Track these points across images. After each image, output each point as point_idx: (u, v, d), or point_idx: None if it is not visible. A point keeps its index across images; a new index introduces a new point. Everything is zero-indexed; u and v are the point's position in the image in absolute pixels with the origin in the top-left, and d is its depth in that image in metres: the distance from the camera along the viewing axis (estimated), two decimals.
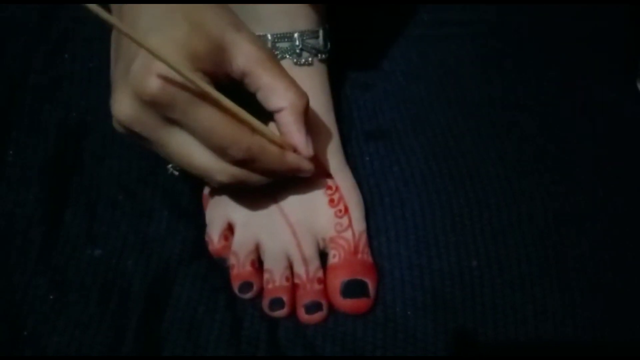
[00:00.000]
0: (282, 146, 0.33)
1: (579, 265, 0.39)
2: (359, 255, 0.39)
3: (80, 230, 0.41)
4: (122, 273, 0.40)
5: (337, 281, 0.38)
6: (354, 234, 0.39)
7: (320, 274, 0.38)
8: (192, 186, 0.42)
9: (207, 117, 0.30)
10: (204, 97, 0.30)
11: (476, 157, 0.44)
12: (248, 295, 0.38)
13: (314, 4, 0.39)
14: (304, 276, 0.38)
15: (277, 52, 0.39)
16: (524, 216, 0.41)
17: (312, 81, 0.40)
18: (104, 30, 0.34)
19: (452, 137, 0.45)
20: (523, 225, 0.41)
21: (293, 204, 0.39)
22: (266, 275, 0.38)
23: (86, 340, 0.37)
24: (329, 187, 0.39)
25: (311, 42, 0.40)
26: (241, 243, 0.39)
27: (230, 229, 0.40)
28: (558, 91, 0.48)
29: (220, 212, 0.40)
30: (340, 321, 0.38)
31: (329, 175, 0.40)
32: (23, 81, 0.48)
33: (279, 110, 0.33)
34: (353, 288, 0.38)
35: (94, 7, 0.26)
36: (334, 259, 0.39)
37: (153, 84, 0.29)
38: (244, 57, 0.32)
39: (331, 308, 0.38)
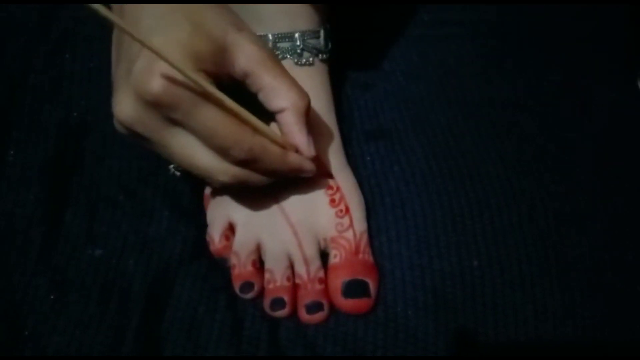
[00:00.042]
0: (283, 146, 0.33)
1: (579, 265, 0.39)
2: (360, 255, 0.39)
3: (80, 230, 0.41)
4: (123, 273, 0.40)
5: (338, 281, 0.38)
6: (355, 234, 0.39)
7: (321, 274, 0.38)
8: (193, 186, 0.42)
9: (210, 117, 0.30)
10: (206, 97, 0.30)
11: (476, 157, 0.44)
12: (249, 295, 0.38)
13: (315, 4, 0.39)
14: (305, 276, 0.38)
15: (278, 52, 0.39)
16: (524, 216, 0.41)
17: (313, 81, 0.40)
18: (105, 30, 0.34)
19: (452, 137, 0.45)
20: (523, 225, 0.41)
21: (294, 204, 0.39)
22: (267, 275, 0.38)
23: (86, 340, 0.37)
24: (330, 187, 0.39)
25: (312, 42, 0.40)
26: (242, 243, 0.39)
27: (231, 229, 0.40)
28: (558, 91, 0.48)
29: (222, 212, 0.40)
30: (341, 321, 0.38)
31: (330, 176, 0.40)
32: (23, 81, 0.48)
33: (280, 111, 0.33)
34: (354, 288, 0.38)
35: (99, 7, 0.26)
36: (335, 259, 0.39)
37: (156, 85, 0.28)
38: (246, 58, 0.32)
39: (332, 308, 0.38)
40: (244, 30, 0.32)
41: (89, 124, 0.46)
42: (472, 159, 0.44)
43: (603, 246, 0.40)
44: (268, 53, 0.33)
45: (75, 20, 0.51)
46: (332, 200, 0.39)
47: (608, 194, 0.42)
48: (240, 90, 0.33)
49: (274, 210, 0.39)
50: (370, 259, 0.39)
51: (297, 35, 0.39)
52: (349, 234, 0.39)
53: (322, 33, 0.40)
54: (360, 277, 0.38)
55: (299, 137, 0.33)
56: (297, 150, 0.34)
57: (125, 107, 0.30)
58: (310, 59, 0.40)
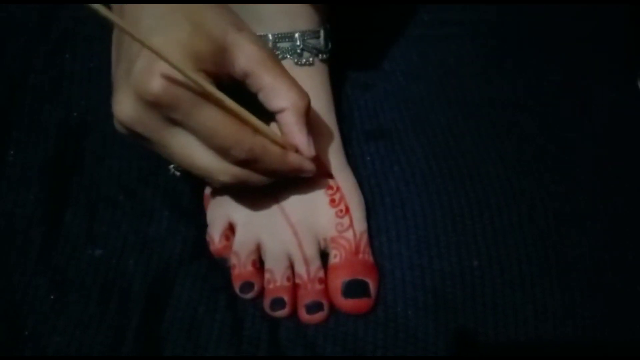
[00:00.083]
0: (283, 146, 0.33)
1: (579, 265, 0.39)
2: (360, 255, 0.39)
3: (80, 230, 0.41)
4: (123, 273, 0.40)
5: (338, 281, 0.38)
6: (355, 234, 0.39)
7: (321, 274, 0.38)
8: (193, 186, 0.42)
9: (210, 117, 0.30)
10: (206, 97, 0.30)
11: (476, 157, 0.44)
12: (249, 295, 0.38)
13: (314, 4, 0.39)
14: (305, 276, 0.38)
15: (278, 52, 0.39)
16: (524, 216, 0.41)
17: (313, 81, 0.40)
18: (105, 29, 0.34)
19: (452, 137, 0.45)
20: (523, 225, 0.41)
21: (294, 204, 0.39)
22: (267, 275, 0.38)
23: (86, 340, 0.37)
24: (330, 187, 0.39)
25: (312, 42, 0.40)
26: (242, 243, 0.39)
27: (231, 229, 0.40)
28: (558, 91, 0.48)
29: (222, 212, 0.40)
30: (341, 321, 0.38)
31: (330, 176, 0.40)
32: (23, 81, 0.48)
33: (280, 111, 0.33)
34: (354, 288, 0.38)
35: (99, 7, 0.26)
36: (335, 259, 0.39)
37: (156, 85, 0.28)
38: (246, 58, 0.32)
39: (332, 308, 0.38)
40: (244, 30, 0.32)
41: (89, 124, 0.46)
42: (472, 159, 0.44)
43: (603, 246, 0.40)
44: (268, 53, 0.33)
45: (75, 20, 0.51)
46: (332, 200, 0.39)
47: (608, 194, 0.42)
48: (240, 90, 0.33)
49: (274, 210, 0.39)
50: (370, 259, 0.39)
51: (297, 35, 0.39)
52: (349, 234, 0.39)
53: (322, 33, 0.40)
54: (360, 277, 0.38)
55: (299, 137, 0.33)
56: (297, 150, 0.34)
57: (125, 107, 0.30)
58: (310, 59, 0.40)
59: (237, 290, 0.39)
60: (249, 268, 0.39)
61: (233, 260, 0.39)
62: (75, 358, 0.37)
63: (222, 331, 0.38)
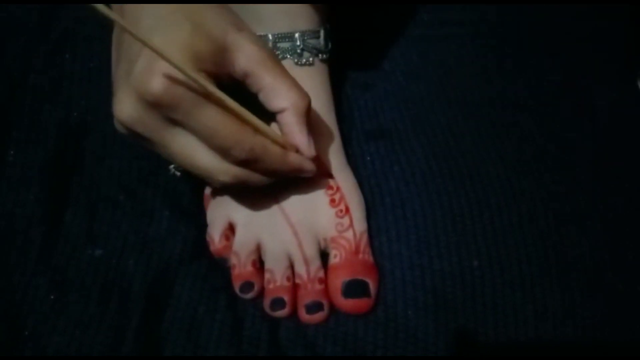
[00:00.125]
0: (284, 146, 0.33)
1: (579, 265, 0.39)
2: (360, 255, 0.39)
3: (80, 230, 0.41)
4: (123, 273, 0.40)
5: (338, 281, 0.38)
6: (355, 234, 0.39)
7: (321, 274, 0.38)
8: (193, 186, 0.42)
9: (210, 117, 0.30)
10: (207, 97, 0.30)
11: (476, 157, 0.44)
12: (249, 295, 0.38)
13: (315, 4, 0.39)
14: (305, 276, 0.38)
15: (278, 52, 0.39)
16: (524, 216, 0.41)
17: (313, 81, 0.40)
18: (105, 30, 0.34)
19: (452, 137, 0.45)
20: (523, 225, 0.41)
21: (294, 204, 0.39)
22: (267, 275, 0.38)
23: (86, 340, 0.37)
24: (330, 187, 0.39)
25: (312, 42, 0.40)
26: (242, 243, 0.39)
27: (231, 229, 0.40)
28: (558, 91, 0.48)
29: (222, 212, 0.40)
30: (341, 321, 0.38)
31: (330, 176, 0.40)
32: (23, 81, 0.48)
33: (281, 111, 0.33)
34: (354, 288, 0.38)
35: (101, 7, 0.26)
36: (335, 259, 0.39)
37: (156, 85, 0.28)
38: (246, 58, 0.32)
39: (332, 308, 0.38)
40: (244, 30, 0.32)
41: (89, 124, 0.46)
42: (472, 159, 0.44)
43: (603, 246, 0.40)
44: (268, 53, 0.33)
45: (75, 20, 0.51)
46: (332, 200, 0.39)
47: (608, 194, 0.42)
48: (241, 91, 0.33)
49: (274, 210, 0.39)
50: (370, 259, 0.39)
51: (297, 35, 0.39)
52: (349, 234, 0.39)
53: (322, 33, 0.40)
54: (360, 277, 0.38)
55: (299, 137, 0.33)
56: (297, 150, 0.34)
57: (125, 107, 0.30)
58: (310, 59, 0.40)
59: (237, 290, 0.39)
60: (249, 268, 0.39)
61: (233, 260, 0.39)
62: (75, 358, 0.37)
63: (222, 331, 0.38)
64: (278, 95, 0.32)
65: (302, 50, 0.40)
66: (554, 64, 0.49)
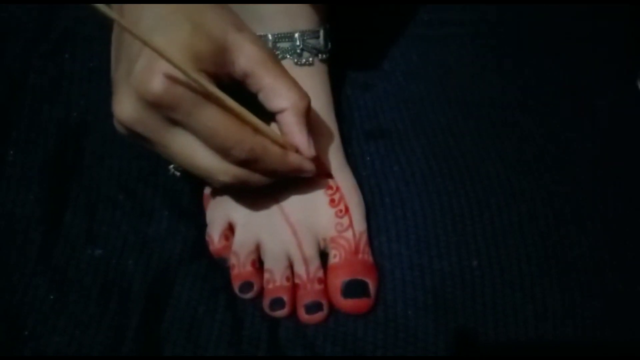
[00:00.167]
0: (284, 146, 0.33)
1: (579, 265, 0.39)
2: (360, 255, 0.39)
3: (80, 230, 0.41)
4: (122, 273, 0.40)
5: (337, 281, 0.38)
6: (354, 234, 0.39)
7: (320, 273, 0.38)
8: (193, 186, 0.42)
9: (211, 117, 0.30)
10: (207, 97, 0.30)
11: (476, 157, 0.44)
12: (249, 295, 0.38)
13: (314, 4, 0.39)
14: (304, 276, 0.38)
15: (277, 52, 0.39)
16: (524, 216, 0.41)
17: (313, 81, 0.40)
18: (105, 29, 0.35)
19: (452, 137, 0.45)
20: (523, 225, 0.41)
21: (294, 204, 0.39)
22: (267, 275, 0.38)
23: (86, 340, 0.37)
24: (330, 187, 0.39)
25: (312, 42, 0.40)
26: (242, 243, 0.39)
27: (230, 228, 0.40)
28: (558, 91, 0.48)
29: (221, 212, 0.40)
30: (340, 321, 0.38)
31: (330, 175, 0.40)
32: (23, 81, 0.48)
33: (280, 111, 0.33)
34: (354, 288, 0.38)
35: (102, 7, 0.26)
36: (334, 259, 0.39)
37: (157, 84, 0.28)
38: (246, 58, 0.32)
39: (332, 308, 0.38)
40: (244, 31, 0.32)
41: (89, 124, 0.46)
42: (472, 159, 0.44)
43: (603, 246, 0.40)
44: (268, 53, 0.33)
45: (75, 20, 0.51)
46: (332, 200, 0.39)
47: (608, 194, 0.42)
48: (240, 91, 0.33)
49: (273, 210, 0.39)
50: (370, 259, 0.39)
51: (297, 35, 0.39)
52: (349, 234, 0.39)
53: (322, 33, 0.40)
54: (359, 277, 0.38)
55: (299, 137, 0.33)
56: (297, 151, 0.34)
57: (125, 108, 0.30)
58: (310, 59, 0.40)
59: (236, 290, 0.39)
60: (249, 268, 0.39)
61: (232, 260, 0.39)
62: (75, 358, 0.37)
63: (222, 331, 0.38)
64: (278, 96, 0.32)
65: (302, 50, 0.40)
66: (554, 64, 0.49)
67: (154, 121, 0.30)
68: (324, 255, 0.39)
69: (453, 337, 0.37)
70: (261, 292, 0.39)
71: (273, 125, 0.34)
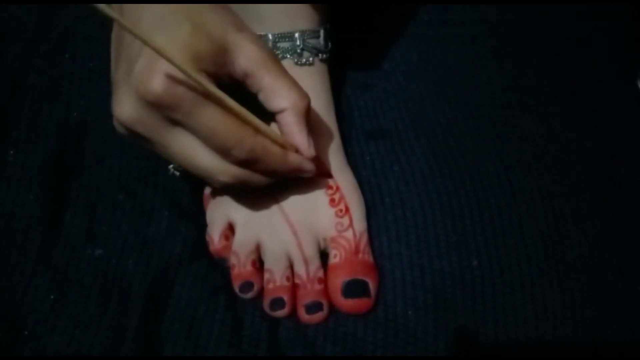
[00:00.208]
0: (284, 146, 0.33)
1: (579, 265, 0.39)
2: (360, 255, 0.39)
3: (80, 230, 0.41)
4: (122, 273, 0.40)
5: (338, 281, 0.38)
6: (354, 234, 0.39)
7: (320, 273, 0.38)
8: (193, 186, 0.42)
9: (211, 117, 0.30)
10: (207, 97, 0.30)
11: (476, 157, 0.44)
12: (249, 295, 0.38)
13: (314, 4, 0.39)
14: (304, 276, 0.38)
15: (278, 52, 0.39)
16: (524, 216, 0.41)
17: (313, 81, 0.40)
18: (105, 29, 0.34)
19: (452, 137, 0.45)
20: (523, 225, 0.41)
21: (294, 203, 0.39)
22: (267, 275, 0.38)
23: (86, 340, 0.37)
24: (330, 187, 0.39)
25: (312, 41, 0.40)
26: (242, 243, 0.39)
27: (231, 228, 0.40)
28: (558, 91, 0.48)
29: (221, 212, 0.40)
30: (340, 321, 0.38)
31: (330, 175, 0.40)
32: (23, 81, 0.48)
33: (281, 111, 0.33)
34: (354, 288, 0.38)
35: (103, 7, 0.26)
36: (334, 258, 0.39)
37: (157, 84, 0.28)
38: (246, 58, 0.31)
39: (332, 308, 0.38)
40: (244, 31, 0.32)
41: (89, 124, 0.46)
42: (472, 159, 0.44)
43: (603, 246, 0.40)
44: (268, 53, 0.33)
45: (75, 20, 0.51)
46: (332, 200, 0.39)
47: (608, 194, 0.42)
48: (240, 91, 0.33)
49: (273, 210, 0.39)
50: (370, 258, 0.39)
51: (297, 35, 0.39)
52: (349, 234, 0.39)
53: (322, 33, 0.40)
54: (360, 277, 0.38)
55: (299, 137, 0.33)
56: (297, 151, 0.34)
57: (125, 108, 0.30)
58: (310, 58, 0.40)
59: (236, 290, 0.39)
60: (249, 268, 0.39)
61: (232, 260, 0.39)
62: (75, 358, 0.37)
63: (222, 331, 0.38)
64: (278, 96, 0.32)
65: (302, 50, 0.40)
66: (554, 64, 0.49)
67: (154, 121, 0.30)
68: (324, 255, 0.39)
69: (453, 337, 0.37)
70: (261, 292, 0.39)
71: (273, 125, 0.34)
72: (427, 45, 0.50)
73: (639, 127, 0.46)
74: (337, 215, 0.39)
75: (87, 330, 0.38)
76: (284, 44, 0.39)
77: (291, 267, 0.39)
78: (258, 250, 0.39)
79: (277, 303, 0.38)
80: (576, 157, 0.44)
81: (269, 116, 0.34)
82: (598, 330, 0.37)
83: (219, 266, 0.40)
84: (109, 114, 0.31)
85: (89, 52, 0.49)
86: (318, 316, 0.38)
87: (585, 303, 0.38)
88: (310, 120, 0.34)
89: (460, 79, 0.48)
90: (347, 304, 0.38)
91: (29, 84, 0.47)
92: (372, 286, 0.38)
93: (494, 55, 0.50)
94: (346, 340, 0.37)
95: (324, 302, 0.38)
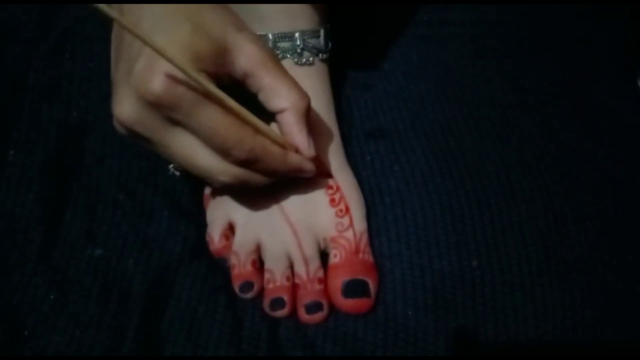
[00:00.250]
0: (284, 146, 0.33)
1: (579, 265, 0.39)
2: (360, 255, 0.39)
3: (80, 230, 0.41)
4: (122, 273, 0.40)
5: (338, 281, 0.38)
6: (355, 234, 0.39)
7: (320, 273, 0.38)
8: (193, 186, 0.42)
9: (211, 117, 0.30)
10: (207, 97, 0.30)
11: (476, 157, 0.44)
12: (249, 295, 0.38)
13: (314, 4, 0.39)
14: (304, 276, 0.38)
15: (278, 52, 0.39)
16: (524, 216, 0.41)
17: (313, 81, 0.40)
18: (105, 29, 0.34)
19: (452, 137, 0.45)
20: (523, 225, 0.41)
21: (294, 203, 0.39)
22: (267, 275, 0.38)
23: (86, 340, 0.37)
24: (330, 187, 0.39)
25: (312, 41, 0.40)
26: (242, 243, 0.39)
27: (231, 228, 0.40)
28: (558, 91, 0.48)
29: (221, 211, 0.40)
30: (340, 321, 0.38)
31: (330, 175, 0.40)
32: (23, 81, 0.48)
33: (281, 111, 0.33)
34: (354, 288, 0.38)
35: (102, 6, 0.26)
36: (335, 258, 0.39)
37: (157, 84, 0.28)
38: (246, 58, 0.31)
39: (332, 308, 0.38)
40: (244, 31, 0.32)
41: (89, 124, 0.46)
42: (472, 158, 0.44)
43: (603, 246, 0.40)
44: (268, 53, 0.33)
45: (75, 20, 0.51)
46: (332, 200, 0.39)
47: (608, 194, 0.42)
48: (240, 91, 0.33)
49: (273, 210, 0.39)
50: (370, 258, 0.39)
51: (297, 34, 0.39)
52: (349, 234, 0.39)
53: (322, 33, 0.40)
54: (360, 277, 0.38)
55: (299, 137, 0.33)
56: (297, 151, 0.34)
57: (125, 108, 0.30)
58: (310, 58, 0.40)
59: (236, 290, 0.39)
60: (249, 268, 0.39)
61: (233, 260, 0.39)
62: (75, 358, 0.37)
63: (222, 331, 0.38)
64: (278, 96, 0.32)
65: (302, 50, 0.40)
66: (554, 64, 0.49)
67: (154, 121, 0.30)
68: (324, 255, 0.39)
69: (453, 337, 0.37)
70: (261, 292, 0.39)
71: (273, 125, 0.34)
72: (427, 45, 0.50)
73: (639, 127, 0.46)
74: (337, 215, 0.39)
75: (87, 330, 0.38)
76: (284, 44, 0.39)
77: (291, 267, 0.39)
78: (258, 250, 0.39)
79: (277, 303, 0.38)
80: (576, 157, 0.44)
81: (269, 116, 0.34)
82: (598, 330, 0.37)
83: (219, 266, 0.40)
84: (109, 114, 0.31)
85: (89, 52, 0.49)
86: (318, 316, 0.38)
87: (585, 303, 0.38)
88: (310, 120, 0.34)
89: (460, 79, 0.48)
90: (347, 304, 0.38)
91: (29, 84, 0.48)
92: (372, 286, 0.38)
93: (494, 55, 0.50)
94: (346, 340, 0.37)
95: (324, 302, 0.38)
